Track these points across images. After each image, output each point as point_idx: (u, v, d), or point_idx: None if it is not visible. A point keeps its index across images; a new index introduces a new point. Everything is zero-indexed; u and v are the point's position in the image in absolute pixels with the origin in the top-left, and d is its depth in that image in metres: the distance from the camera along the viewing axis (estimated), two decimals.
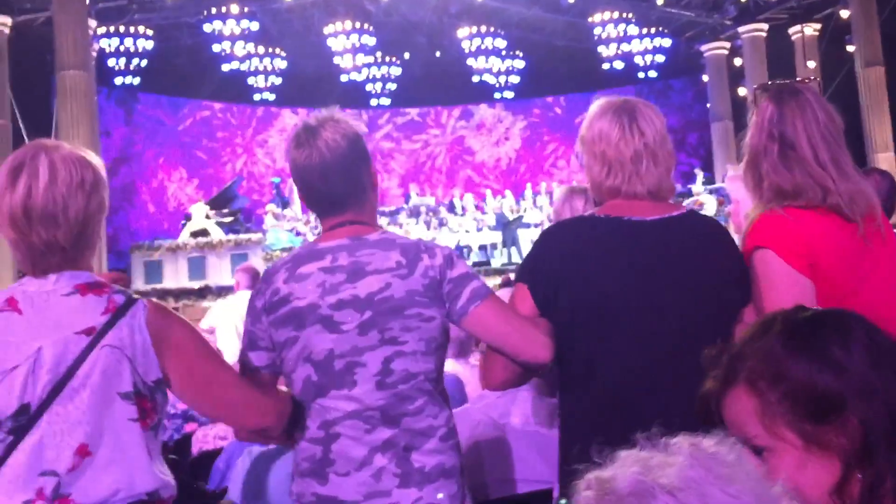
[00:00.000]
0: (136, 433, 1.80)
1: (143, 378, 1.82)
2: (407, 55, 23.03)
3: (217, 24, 19.68)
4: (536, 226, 19.02)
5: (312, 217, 19.65)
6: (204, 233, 16.81)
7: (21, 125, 18.50)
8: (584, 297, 2.03)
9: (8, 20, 18.32)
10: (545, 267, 2.08)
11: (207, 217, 17.19)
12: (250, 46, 20.78)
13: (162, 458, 1.90)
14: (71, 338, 1.77)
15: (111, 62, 20.11)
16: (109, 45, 19.80)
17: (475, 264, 17.78)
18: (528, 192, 21.49)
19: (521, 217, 19.31)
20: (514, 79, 23.63)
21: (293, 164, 2.13)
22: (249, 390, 1.96)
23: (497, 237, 18.93)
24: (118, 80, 20.66)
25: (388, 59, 22.67)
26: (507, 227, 18.71)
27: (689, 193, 19.26)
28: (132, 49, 20.12)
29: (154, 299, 1.94)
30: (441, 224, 19.47)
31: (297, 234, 17.82)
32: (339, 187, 2.09)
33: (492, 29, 21.45)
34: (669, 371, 1.96)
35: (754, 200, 2.19)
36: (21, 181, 1.80)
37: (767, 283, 2.07)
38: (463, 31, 21.52)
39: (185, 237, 16.98)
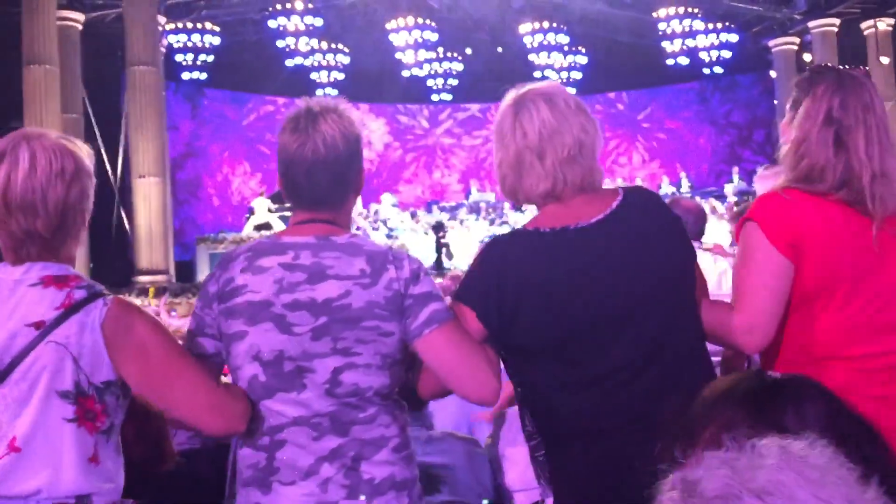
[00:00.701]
0: (71, 434, 1.75)
1: (88, 378, 1.76)
2: (469, 51, 23.03)
3: (282, 20, 19.92)
4: None
5: (375, 212, 19.78)
6: (267, 226, 17.05)
7: (92, 119, 18.99)
8: (547, 318, 1.90)
9: (80, 17, 18.78)
10: (495, 288, 1.93)
11: (270, 211, 17.42)
12: (314, 42, 20.99)
13: (115, 462, 1.83)
14: (21, 329, 1.75)
15: (178, 57, 20.50)
16: (177, 41, 20.18)
17: None
18: None
19: None
20: (577, 74, 23.46)
21: (283, 149, 1.98)
22: (213, 392, 1.87)
23: None
24: (185, 76, 21.06)
25: (449, 54, 22.70)
26: None
27: (722, 193, 18.97)
28: (199, 45, 20.50)
29: (122, 297, 1.89)
30: (502, 220, 19.41)
31: (358, 228, 17.96)
32: (322, 187, 1.97)
33: (554, 24, 21.33)
34: (644, 380, 1.90)
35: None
36: (1, 170, 1.81)
37: (746, 255, 2.05)
38: (525, 27, 21.44)
39: (248, 230, 17.25)
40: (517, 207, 2.09)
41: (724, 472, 0.82)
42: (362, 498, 1.89)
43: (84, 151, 1.90)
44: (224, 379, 2.05)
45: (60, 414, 1.75)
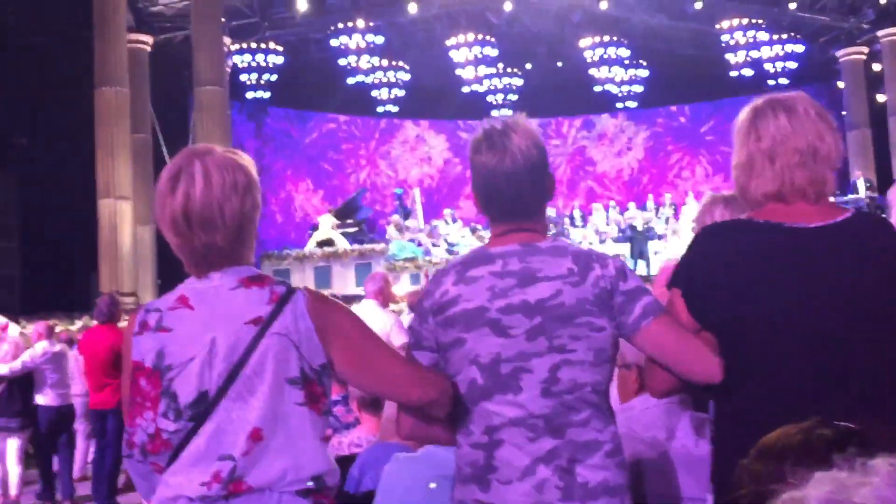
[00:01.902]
0: (305, 417, 1.86)
1: (309, 363, 1.87)
2: (528, 66, 23.03)
3: (343, 39, 20.19)
4: (661, 238, 18.65)
5: (434, 227, 19.86)
6: (329, 243, 17.24)
7: (160, 139, 19.47)
8: (743, 307, 1.96)
9: (149, 39, 19.30)
10: (702, 273, 2.01)
11: (333, 227, 17.61)
12: (375, 60, 21.22)
13: (326, 441, 1.94)
14: (241, 328, 1.85)
15: (243, 77, 20.90)
16: (242, 61, 20.59)
17: None
18: (650, 204, 21.11)
19: (651, 229, 18.95)
20: (637, 88, 23.28)
21: (478, 168, 2.09)
22: (411, 365, 2.00)
23: (620, 249, 18.67)
24: (249, 95, 21.46)
25: (509, 70, 22.73)
26: (636, 239, 18.39)
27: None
28: (263, 64, 20.89)
29: (310, 287, 2.00)
30: (562, 235, 19.33)
31: (419, 244, 18.04)
32: (525, 194, 2.07)
33: (614, 38, 21.22)
34: (833, 386, 1.89)
35: None
36: (179, 188, 1.88)
37: None
38: (585, 41, 21.37)
39: (311, 247, 17.46)
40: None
41: (830, 489, 0.82)
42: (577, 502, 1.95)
43: (250, 163, 1.98)
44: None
45: (293, 399, 1.85)
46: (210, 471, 1.80)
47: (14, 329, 8.69)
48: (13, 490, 7.81)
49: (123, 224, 16.24)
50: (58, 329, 10.96)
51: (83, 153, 16.20)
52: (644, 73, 22.89)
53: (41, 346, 8.01)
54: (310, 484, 1.84)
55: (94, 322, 8.08)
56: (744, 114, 2.11)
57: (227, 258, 1.91)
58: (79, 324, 14.37)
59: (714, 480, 2.05)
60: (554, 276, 2.00)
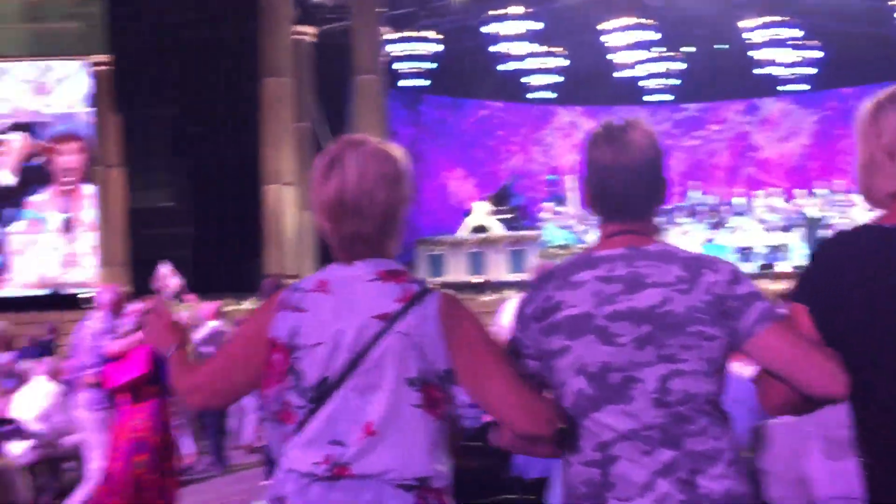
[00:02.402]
0: (419, 419, 1.88)
1: (431, 367, 1.89)
2: (687, 49, 22.32)
3: (498, 26, 20.18)
4: (831, 228, 17.73)
5: (588, 215, 19.62)
6: (482, 229, 17.33)
7: (322, 127, 20.09)
8: (871, 318, 1.82)
9: (313, 30, 19.94)
10: (824, 284, 1.87)
11: (488, 214, 17.69)
12: (529, 46, 21.11)
13: (443, 447, 1.94)
14: (368, 321, 1.90)
15: (399, 66, 21.26)
16: (400, 50, 20.94)
17: (761, 267, 16.90)
18: (823, 191, 20.05)
19: (824, 217, 17.97)
20: (805, 70, 22.12)
21: (594, 163, 2.04)
22: (525, 393, 1.94)
23: (786, 238, 17.84)
24: (405, 83, 21.80)
25: (667, 54, 22.11)
26: (809, 227, 17.41)
27: None
28: (419, 52, 21.17)
29: (449, 291, 2.00)
30: (722, 224, 18.66)
31: (573, 231, 17.87)
32: (639, 193, 2.02)
33: (779, 18, 20.23)
34: None
35: None
36: (333, 176, 1.95)
37: None
38: (748, 22, 20.48)
39: (464, 232, 17.60)
40: (871, 208, 2.08)
41: None
42: None
43: (401, 155, 2.02)
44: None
45: (409, 400, 1.89)
46: (322, 453, 1.87)
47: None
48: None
49: (287, 209, 16.91)
50: (227, 309, 11.54)
51: (250, 142, 16.95)
52: (815, 54, 21.70)
53: (212, 325, 8.50)
54: (414, 483, 1.86)
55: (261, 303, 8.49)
56: (866, 108, 1.97)
57: (372, 248, 1.96)
58: (246, 305, 15.09)
59: (871, 492, 1.88)
60: (662, 282, 1.93)
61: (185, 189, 17.96)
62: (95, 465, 6.48)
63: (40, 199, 19.19)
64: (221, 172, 17.67)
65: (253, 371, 2.00)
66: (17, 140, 19.27)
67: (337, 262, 2.00)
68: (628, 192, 2.01)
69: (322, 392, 1.89)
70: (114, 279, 17.89)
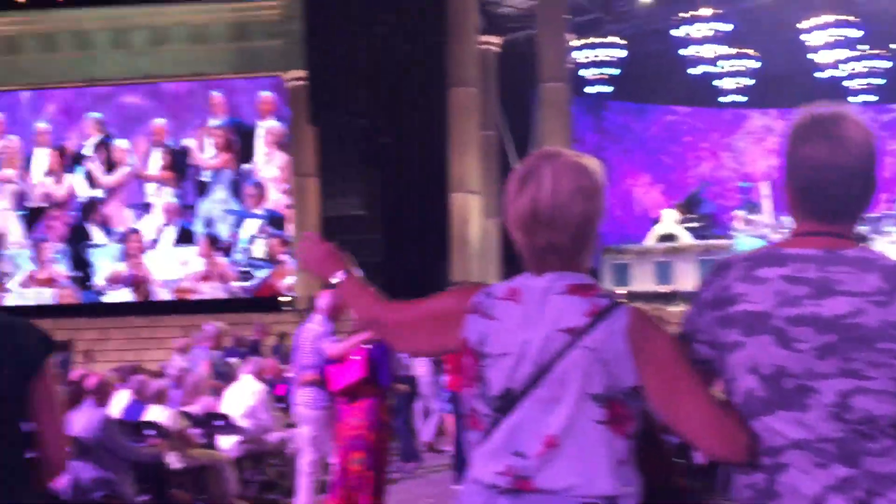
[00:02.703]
0: (603, 435, 1.84)
1: (617, 383, 1.85)
2: (894, 46, 20.88)
3: (687, 28, 19.64)
4: None
5: (784, 223, 18.69)
6: (671, 237, 16.88)
7: (507, 136, 20.25)
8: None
9: (498, 40, 20.15)
10: None
11: (676, 222, 17.22)
12: (720, 48, 20.41)
13: (634, 466, 1.89)
14: (555, 334, 1.87)
15: (583, 72, 21.10)
16: (584, 57, 20.79)
17: None
18: None
19: None
20: None
21: (801, 159, 1.89)
22: (720, 415, 1.85)
23: None
24: (590, 89, 21.62)
25: (872, 52, 20.75)
26: None
27: None
28: (604, 58, 20.94)
29: (638, 306, 1.96)
30: (878, 233, 17.27)
31: (767, 240, 17.08)
32: (853, 195, 1.87)
33: None
34: None
35: None
36: (528, 189, 1.94)
37: None
38: None
39: (651, 240, 17.21)
40: None
41: None
42: None
43: (597, 169, 2.01)
44: None
45: (593, 416, 1.86)
46: (504, 462, 1.86)
47: None
48: None
49: (472, 217, 17.15)
50: None
51: (437, 151, 17.31)
52: None
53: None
54: (599, 502, 1.82)
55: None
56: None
57: (565, 260, 1.94)
58: None
59: None
60: (857, 291, 1.77)
61: (376, 197, 18.56)
62: (308, 458, 6.80)
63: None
64: (410, 181, 18.14)
65: (437, 340, 2.06)
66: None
67: (528, 273, 2.00)
68: (841, 192, 1.87)
69: (506, 402, 1.89)
70: (309, 284, 18.76)
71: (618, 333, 1.86)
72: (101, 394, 6.56)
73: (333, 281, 2.26)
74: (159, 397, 7.71)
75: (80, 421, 6.28)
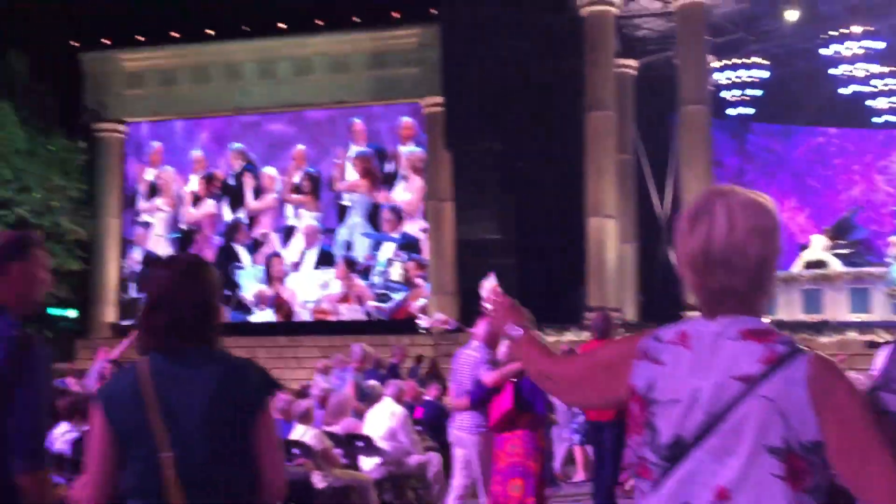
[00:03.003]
0: (779, 491, 1.72)
1: (796, 436, 1.73)
2: None
3: (837, 47, 18.86)
4: None
5: None
6: (820, 264, 16.13)
7: (642, 158, 19.93)
8: None
9: (635, 63, 19.91)
10: None
11: (825, 248, 16.46)
12: (872, 67, 19.48)
13: None
14: (728, 381, 1.77)
15: (725, 94, 20.56)
16: (725, 78, 20.27)
17: None
18: None
19: None
20: None
21: None
22: None
23: None
24: (731, 111, 21.03)
25: None
26: None
27: None
28: (746, 80, 20.34)
29: (821, 353, 1.81)
30: None
31: None
32: None
33: None
34: None
35: None
36: (700, 228, 1.85)
37: None
38: None
39: (799, 268, 16.50)
40: None
41: None
42: None
43: (773, 207, 1.91)
44: None
45: (768, 469, 1.76)
46: None
47: None
48: None
49: (608, 241, 16.91)
50: (550, 339, 11.69)
51: (573, 175, 17.18)
52: None
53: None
54: None
55: (587, 335, 8.46)
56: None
57: (741, 303, 1.84)
58: (568, 336, 15.24)
59: None
60: None
61: (510, 221, 18.59)
62: (460, 481, 6.93)
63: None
64: (545, 205, 18.08)
65: (606, 391, 1.99)
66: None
67: (699, 316, 1.90)
68: None
69: (676, 451, 1.81)
70: (443, 307, 18.93)
71: (798, 383, 1.74)
72: None
73: (512, 334, 2.27)
74: (305, 417, 7.90)
75: None
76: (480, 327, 6.84)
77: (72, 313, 25.99)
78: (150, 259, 21.32)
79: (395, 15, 20.95)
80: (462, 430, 6.81)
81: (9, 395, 2.59)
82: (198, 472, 2.32)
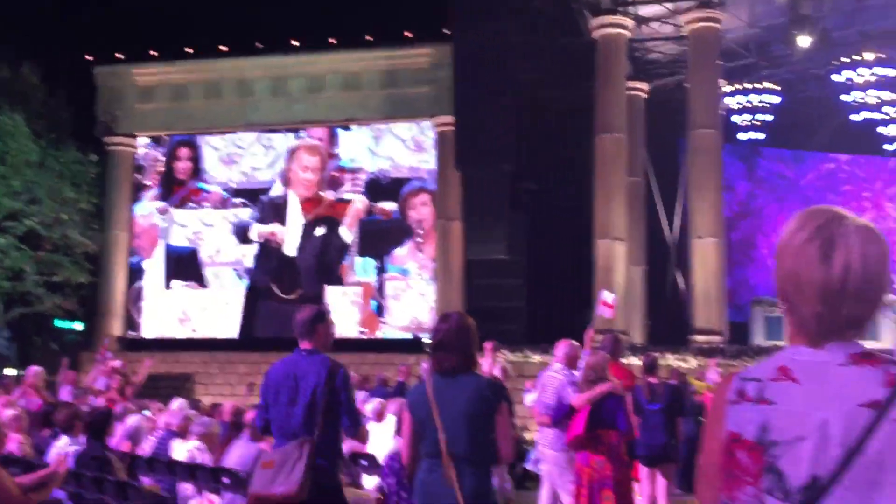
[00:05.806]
0: None
1: None
2: None
3: (849, 73, 18.85)
4: None
5: None
6: None
7: (651, 182, 19.90)
8: None
9: (646, 86, 19.91)
10: None
11: None
12: (884, 94, 19.47)
13: None
14: (855, 410, 1.67)
15: (735, 118, 20.55)
16: (736, 103, 20.27)
17: None
18: None
19: None
20: None
21: None
22: None
23: None
24: (741, 136, 21.01)
25: None
26: None
27: None
28: (757, 105, 20.34)
29: None
30: None
31: None
32: None
33: None
34: None
35: None
36: (837, 256, 1.75)
37: None
38: None
39: None
40: None
41: None
42: None
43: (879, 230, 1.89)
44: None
45: None
46: None
47: None
48: None
49: (617, 263, 16.84)
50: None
51: (583, 197, 17.15)
52: None
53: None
54: None
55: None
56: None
57: (860, 331, 1.76)
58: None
59: None
60: None
61: (520, 242, 18.54)
62: (545, 494, 7.31)
63: (401, 252, 20.94)
64: (554, 226, 18.05)
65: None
66: (360, 200, 21.19)
67: (791, 347, 1.80)
68: None
69: (813, 493, 1.71)
70: None
71: None
72: (257, 428, 6.73)
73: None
74: None
75: (237, 454, 6.45)
76: (560, 349, 7.09)
77: (78, 326, 26.01)
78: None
79: (408, 34, 21.03)
80: (545, 446, 7.16)
81: None
82: (459, 446, 3.80)
